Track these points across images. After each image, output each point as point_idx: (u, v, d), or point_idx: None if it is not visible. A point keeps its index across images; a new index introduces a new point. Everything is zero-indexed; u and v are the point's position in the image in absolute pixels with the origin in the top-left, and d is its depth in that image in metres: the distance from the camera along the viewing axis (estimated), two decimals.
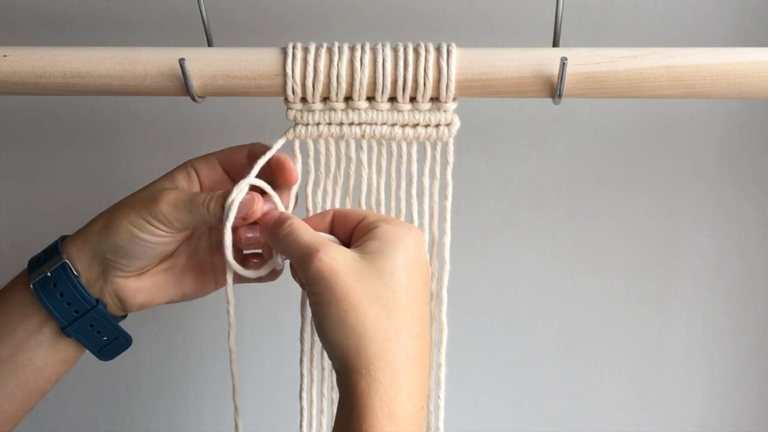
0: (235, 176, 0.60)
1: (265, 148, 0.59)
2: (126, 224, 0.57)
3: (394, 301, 0.50)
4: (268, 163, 0.58)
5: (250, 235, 0.58)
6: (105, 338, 0.60)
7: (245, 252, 0.61)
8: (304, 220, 0.56)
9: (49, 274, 0.58)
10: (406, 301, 0.51)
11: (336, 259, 0.51)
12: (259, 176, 0.58)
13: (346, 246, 0.54)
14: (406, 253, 0.52)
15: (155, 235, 0.57)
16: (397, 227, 0.53)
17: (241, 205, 0.56)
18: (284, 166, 0.58)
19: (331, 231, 0.57)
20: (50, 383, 0.61)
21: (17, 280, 0.61)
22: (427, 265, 0.55)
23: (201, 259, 0.62)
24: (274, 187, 0.58)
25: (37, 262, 0.60)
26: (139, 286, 0.59)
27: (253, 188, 0.58)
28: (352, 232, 0.56)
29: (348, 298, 0.50)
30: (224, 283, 0.59)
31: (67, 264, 0.58)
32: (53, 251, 0.60)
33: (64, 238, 0.61)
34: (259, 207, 0.56)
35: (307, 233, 0.53)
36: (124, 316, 0.62)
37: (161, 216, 0.56)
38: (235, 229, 0.57)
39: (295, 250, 0.53)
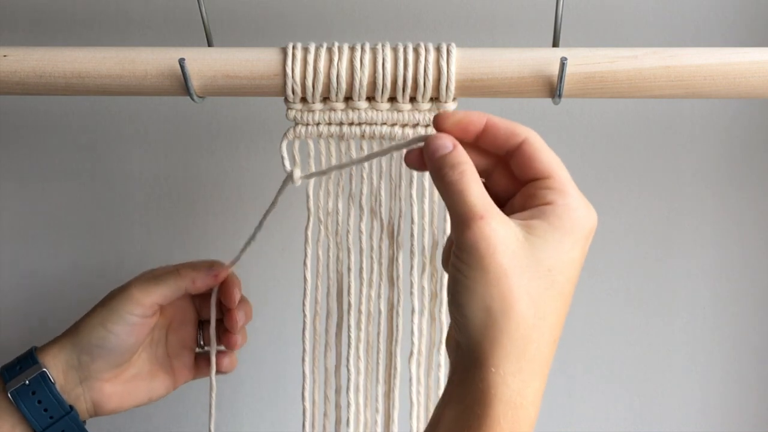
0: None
1: (194, 273, 0.65)
2: (99, 322, 0.63)
3: (543, 300, 0.44)
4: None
5: (240, 313, 0.67)
6: None
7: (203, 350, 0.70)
8: (444, 121, 0.49)
9: (27, 382, 0.62)
10: (556, 302, 0.45)
11: (498, 234, 0.44)
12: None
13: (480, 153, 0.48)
14: (572, 249, 0.46)
15: (129, 324, 0.62)
16: (574, 211, 0.46)
17: (215, 267, 0.65)
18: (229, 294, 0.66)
19: (475, 143, 0.49)
20: None
21: None
22: (584, 256, 0.48)
23: (162, 362, 0.68)
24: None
25: (11, 370, 0.63)
26: (113, 391, 0.64)
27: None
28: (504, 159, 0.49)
29: (498, 283, 0.44)
30: (182, 380, 0.69)
31: (46, 372, 0.62)
32: (28, 359, 0.63)
33: (36, 348, 0.64)
34: (226, 270, 0.65)
35: (476, 191, 0.46)
36: (85, 423, 0.66)
37: (135, 296, 0.62)
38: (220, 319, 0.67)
39: (459, 205, 0.46)
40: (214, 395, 0.67)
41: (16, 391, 0.61)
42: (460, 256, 0.45)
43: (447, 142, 0.48)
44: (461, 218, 0.45)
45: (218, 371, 0.68)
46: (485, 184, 0.48)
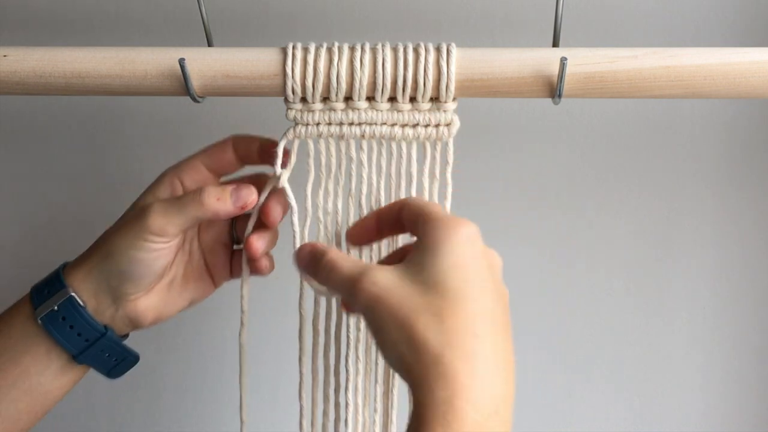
0: (223, 173, 0.61)
1: (247, 139, 0.61)
2: (124, 248, 0.58)
3: (445, 307, 0.47)
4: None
5: (260, 242, 0.61)
6: (114, 360, 0.62)
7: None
8: (350, 230, 0.57)
9: (56, 308, 0.59)
10: (461, 303, 0.47)
11: (378, 284, 0.48)
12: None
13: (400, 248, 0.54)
14: (452, 255, 0.48)
15: (153, 250, 0.58)
16: (439, 229, 0.50)
17: (243, 195, 0.58)
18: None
19: (380, 232, 0.56)
20: (56, 402, 0.62)
21: (20, 309, 0.61)
22: (488, 256, 0.51)
23: (197, 264, 0.63)
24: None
25: (39, 293, 0.60)
26: (149, 305, 0.61)
27: (248, 180, 0.61)
28: (400, 225, 0.54)
29: (395, 318, 0.47)
30: (222, 280, 0.63)
31: (74, 297, 0.59)
32: (56, 282, 0.60)
33: (64, 267, 0.61)
34: (255, 197, 0.59)
35: (346, 264, 0.51)
36: (127, 335, 0.63)
37: (155, 227, 0.57)
38: (246, 236, 0.61)
39: (339, 285, 0.51)
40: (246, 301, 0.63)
41: (46, 317, 0.59)
42: (364, 318, 0.49)
43: (304, 249, 0.55)
44: (347, 291, 0.50)
45: (258, 273, 0.63)
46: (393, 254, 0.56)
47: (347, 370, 0.62)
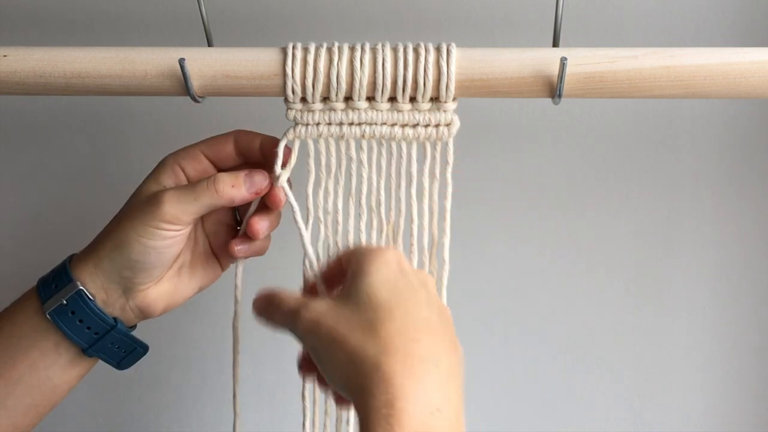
0: (221, 166, 0.61)
1: (249, 135, 0.60)
2: (135, 238, 0.57)
3: (377, 320, 0.49)
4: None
5: (262, 223, 0.61)
6: (123, 351, 0.62)
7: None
8: (322, 274, 0.58)
9: (65, 302, 0.58)
10: (392, 312, 0.49)
11: (315, 311, 0.51)
12: (249, 164, 0.61)
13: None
14: (377, 273, 0.51)
15: (166, 238, 0.57)
16: (364, 256, 0.52)
17: (257, 181, 0.59)
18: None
19: (334, 280, 0.57)
20: (62, 396, 0.62)
21: (26, 303, 0.60)
22: (418, 274, 0.53)
23: (203, 248, 0.63)
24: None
25: (47, 287, 0.60)
26: (160, 294, 0.60)
27: (250, 165, 0.61)
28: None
29: (333, 338, 0.49)
30: (229, 262, 0.64)
31: (83, 291, 0.59)
32: (63, 276, 0.59)
33: (71, 260, 0.60)
34: (267, 183, 0.59)
35: (288, 302, 0.53)
36: (135, 326, 0.63)
37: (168, 215, 0.57)
38: (247, 218, 0.61)
39: (284, 319, 0.53)
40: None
41: (54, 311, 0.58)
42: (307, 347, 0.52)
43: (259, 296, 0.56)
44: (290, 323, 0.53)
45: (256, 254, 0.63)
46: None
47: None
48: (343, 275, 0.54)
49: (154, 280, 0.60)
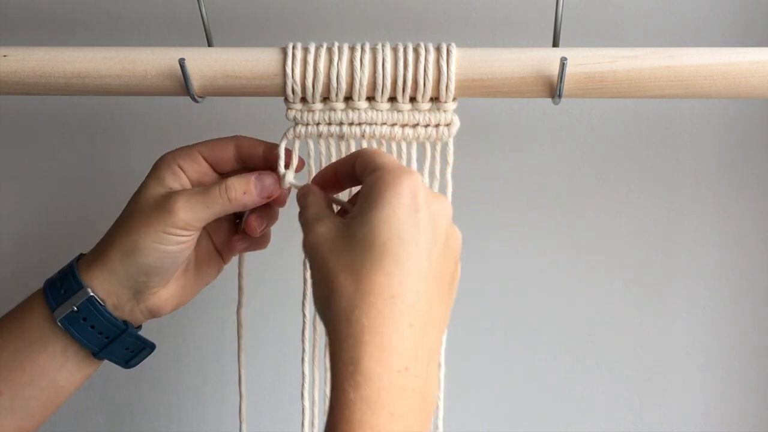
0: (219, 169, 0.61)
1: (252, 142, 0.60)
2: (150, 243, 0.57)
3: (365, 263, 0.47)
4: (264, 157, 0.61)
5: (261, 221, 0.61)
6: (132, 352, 0.62)
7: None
8: (313, 180, 0.57)
9: (76, 309, 0.58)
10: (383, 260, 0.47)
11: (319, 234, 0.50)
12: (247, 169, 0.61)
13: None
14: (384, 209, 0.48)
15: (180, 243, 0.58)
16: (379, 179, 0.49)
17: (268, 186, 0.59)
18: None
19: (339, 184, 0.56)
20: (68, 397, 0.62)
21: (34, 307, 0.60)
22: (432, 202, 0.49)
23: (206, 245, 0.63)
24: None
25: (55, 292, 0.59)
26: (170, 294, 0.61)
27: (249, 169, 0.60)
28: (355, 177, 0.54)
29: (321, 272, 0.49)
30: (230, 256, 0.64)
31: (95, 298, 0.59)
32: (72, 280, 0.59)
33: (78, 261, 0.60)
34: (278, 188, 0.59)
35: (312, 210, 0.53)
36: (141, 326, 0.63)
37: (181, 222, 0.57)
38: (245, 217, 0.62)
39: (302, 225, 0.53)
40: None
41: (65, 318, 0.58)
42: (309, 263, 0.52)
43: (304, 187, 0.56)
44: (302, 228, 0.52)
45: (256, 248, 0.64)
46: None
47: None
48: (352, 178, 0.54)
49: (165, 284, 0.60)
